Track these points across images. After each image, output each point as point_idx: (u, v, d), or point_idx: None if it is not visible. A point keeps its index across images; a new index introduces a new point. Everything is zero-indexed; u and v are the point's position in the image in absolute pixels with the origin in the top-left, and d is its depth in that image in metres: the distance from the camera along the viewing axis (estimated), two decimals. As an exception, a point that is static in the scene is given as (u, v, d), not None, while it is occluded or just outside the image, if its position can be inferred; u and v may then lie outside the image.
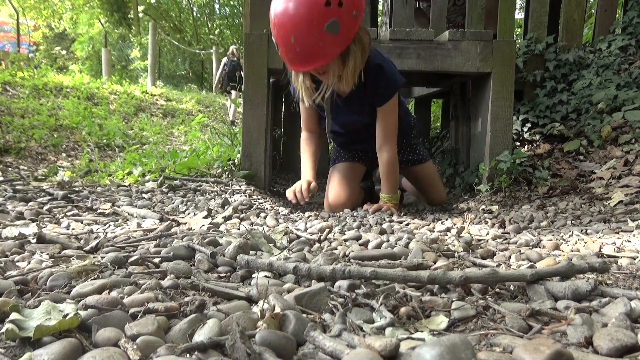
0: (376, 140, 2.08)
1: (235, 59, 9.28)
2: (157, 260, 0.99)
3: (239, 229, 1.42)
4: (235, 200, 2.01)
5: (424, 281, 0.80)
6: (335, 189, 2.20)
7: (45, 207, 1.70)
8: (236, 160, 2.65)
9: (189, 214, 1.72)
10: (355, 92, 1.98)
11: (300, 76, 1.87)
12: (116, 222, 1.49)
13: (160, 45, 17.32)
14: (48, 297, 0.71)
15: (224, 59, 9.67)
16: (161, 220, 1.54)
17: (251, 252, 1.08)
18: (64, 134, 4.92)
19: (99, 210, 1.73)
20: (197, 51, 18.02)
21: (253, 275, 0.90)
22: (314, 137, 2.25)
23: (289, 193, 2.07)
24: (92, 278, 0.83)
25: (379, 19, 3.99)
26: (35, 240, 1.13)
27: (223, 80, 9.39)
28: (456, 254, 1.14)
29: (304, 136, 2.27)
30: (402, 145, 2.33)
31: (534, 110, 3.00)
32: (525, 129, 2.93)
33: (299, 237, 1.31)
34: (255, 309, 0.70)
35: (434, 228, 1.51)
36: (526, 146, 2.92)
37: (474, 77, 2.65)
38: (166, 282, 0.79)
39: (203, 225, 1.46)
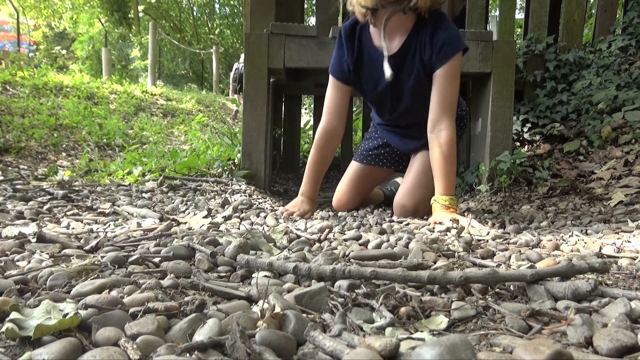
0: (430, 117, 1.73)
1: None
2: (157, 259, 0.99)
3: (239, 228, 1.42)
4: (235, 200, 2.01)
5: (424, 281, 0.80)
6: (341, 190, 2.11)
7: (45, 207, 1.70)
8: (236, 160, 2.65)
9: (189, 213, 1.72)
10: (409, 49, 1.74)
11: None
12: (116, 222, 1.49)
13: (161, 44, 17.32)
14: (48, 297, 0.71)
15: (235, 64, 9.98)
16: (161, 219, 1.54)
17: (251, 252, 1.08)
18: (64, 133, 4.92)
19: (99, 210, 1.73)
20: (197, 51, 18.03)
21: (253, 275, 0.90)
22: (330, 146, 1.91)
23: (283, 212, 1.83)
24: (92, 277, 0.83)
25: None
26: (35, 240, 1.13)
27: (235, 84, 9.71)
28: (456, 254, 1.14)
29: (319, 142, 1.90)
30: None
31: (534, 110, 3.00)
32: (525, 129, 2.94)
33: (299, 237, 1.31)
34: (255, 309, 0.70)
35: (434, 228, 1.51)
36: (526, 146, 2.92)
37: (474, 77, 2.65)
38: (166, 282, 0.79)
39: (203, 224, 1.46)
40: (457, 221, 1.54)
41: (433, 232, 1.45)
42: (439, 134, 1.72)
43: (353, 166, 2.17)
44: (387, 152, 2.16)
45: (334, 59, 1.87)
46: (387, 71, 1.74)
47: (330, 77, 1.88)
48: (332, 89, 1.88)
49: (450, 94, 1.72)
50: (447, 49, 1.69)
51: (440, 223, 1.58)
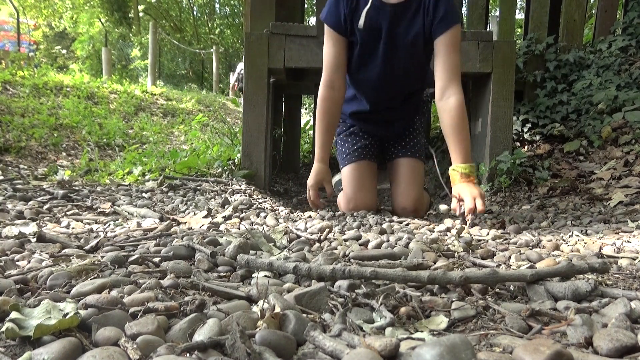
0: (437, 86, 1.75)
1: None
2: (157, 259, 1.00)
3: (239, 228, 1.42)
4: (235, 200, 2.01)
5: (424, 281, 0.80)
6: (354, 189, 1.97)
7: (45, 206, 1.70)
8: (236, 160, 2.65)
9: (189, 213, 1.72)
10: (411, 5, 1.74)
11: None
12: (116, 222, 1.49)
13: (161, 44, 17.31)
14: (48, 296, 0.71)
15: (240, 64, 10.12)
16: (161, 219, 1.54)
17: (251, 252, 1.08)
18: (64, 133, 4.92)
19: (99, 210, 1.73)
20: (198, 51, 18.02)
21: (253, 275, 0.90)
22: (333, 98, 1.86)
23: (311, 203, 1.94)
24: (92, 277, 0.83)
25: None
26: (35, 240, 1.13)
27: (238, 83, 9.83)
28: (456, 254, 1.14)
29: (322, 95, 1.86)
30: (407, 128, 2.09)
31: (534, 110, 3.00)
32: (525, 129, 2.94)
33: (299, 236, 1.31)
34: (255, 309, 0.70)
35: (434, 228, 1.51)
36: (526, 146, 2.92)
37: (474, 78, 2.65)
38: (166, 282, 0.79)
39: (203, 224, 1.46)
40: (482, 197, 1.59)
41: (433, 232, 1.45)
42: (448, 100, 1.72)
43: (348, 169, 2.03)
44: (370, 143, 2.08)
45: (330, 6, 1.82)
46: (362, 19, 1.74)
47: (326, 29, 1.84)
48: (328, 43, 1.84)
49: (455, 62, 1.74)
50: (449, 18, 1.72)
51: (461, 200, 1.62)
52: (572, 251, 1.19)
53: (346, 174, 2.05)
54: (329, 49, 1.84)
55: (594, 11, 3.99)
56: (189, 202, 1.92)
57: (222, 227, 1.43)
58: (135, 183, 2.47)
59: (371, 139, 2.11)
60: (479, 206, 1.56)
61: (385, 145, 2.14)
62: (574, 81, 3.02)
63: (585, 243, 1.28)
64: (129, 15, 19.20)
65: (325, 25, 1.84)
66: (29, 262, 0.95)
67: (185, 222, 1.53)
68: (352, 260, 1.05)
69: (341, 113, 2.10)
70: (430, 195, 2.25)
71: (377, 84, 1.93)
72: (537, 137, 2.90)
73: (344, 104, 2.05)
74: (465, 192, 1.62)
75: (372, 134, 2.11)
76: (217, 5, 22.19)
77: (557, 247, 1.23)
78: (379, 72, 1.88)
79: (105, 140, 5.06)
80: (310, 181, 1.92)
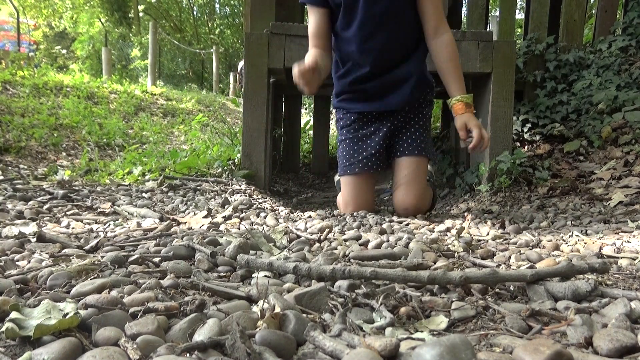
0: (429, 26, 1.84)
1: None
2: (157, 259, 1.00)
3: (239, 228, 1.42)
4: (235, 200, 2.01)
5: (424, 281, 0.80)
6: (353, 194, 1.98)
7: (45, 206, 1.70)
8: (236, 160, 2.65)
9: (189, 213, 1.72)
10: None
11: None
12: (116, 222, 1.49)
13: (161, 44, 17.31)
14: (48, 296, 0.71)
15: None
16: (161, 219, 1.54)
17: (251, 252, 1.08)
18: (64, 133, 4.91)
19: (99, 210, 1.73)
20: (198, 51, 18.02)
21: (253, 275, 0.90)
22: (317, 50, 1.86)
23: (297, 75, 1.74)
24: (92, 277, 0.83)
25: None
26: (35, 239, 1.13)
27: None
28: (456, 254, 1.14)
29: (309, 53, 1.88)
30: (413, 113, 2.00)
31: (534, 110, 3.01)
32: (525, 129, 2.94)
33: (299, 236, 1.31)
34: (255, 309, 0.70)
35: (434, 228, 1.51)
36: (526, 146, 2.92)
37: (474, 78, 2.65)
38: (166, 282, 0.79)
39: (203, 224, 1.46)
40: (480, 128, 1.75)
41: (433, 232, 1.45)
42: (442, 37, 1.83)
43: (347, 179, 2.00)
44: (376, 151, 2.01)
45: None
46: None
47: (308, 7, 1.90)
48: (310, 17, 1.89)
49: (440, 2, 1.86)
50: None
51: (468, 130, 1.76)
52: (572, 251, 1.19)
53: (345, 182, 2.03)
54: (311, 22, 1.89)
55: (594, 11, 3.99)
56: (189, 202, 1.92)
57: (222, 227, 1.43)
58: (135, 183, 2.47)
59: (378, 144, 2.00)
60: (485, 135, 1.75)
61: (390, 142, 2.04)
62: (574, 81, 3.03)
63: (585, 243, 1.28)
64: (129, 15, 19.20)
65: (306, 5, 1.90)
66: (29, 262, 0.95)
67: (185, 222, 1.53)
68: (352, 260, 1.05)
69: (342, 92, 2.04)
70: (435, 190, 2.19)
71: (362, 36, 1.87)
72: (537, 137, 2.90)
73: (342, 79, 2.01)
74: (473, 123, 1.77)
75: (378, 134, 2.00)
76: (217, 5, 22.20)
77: (557, 247, 1.23)
78: (361, 21, 1.84)
79: (105, 140, 5.06)
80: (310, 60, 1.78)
